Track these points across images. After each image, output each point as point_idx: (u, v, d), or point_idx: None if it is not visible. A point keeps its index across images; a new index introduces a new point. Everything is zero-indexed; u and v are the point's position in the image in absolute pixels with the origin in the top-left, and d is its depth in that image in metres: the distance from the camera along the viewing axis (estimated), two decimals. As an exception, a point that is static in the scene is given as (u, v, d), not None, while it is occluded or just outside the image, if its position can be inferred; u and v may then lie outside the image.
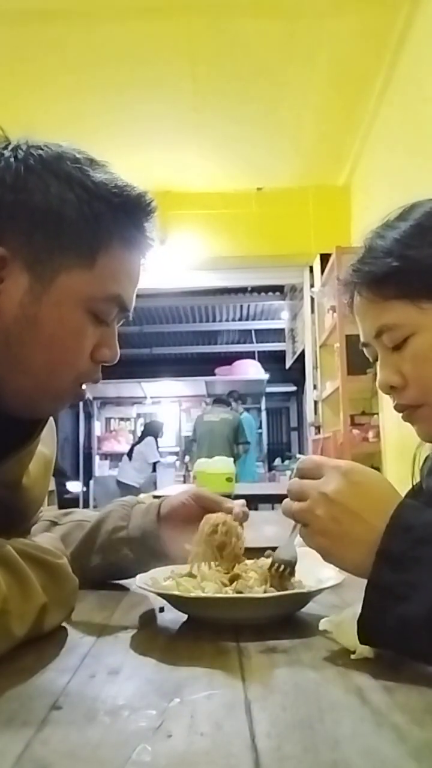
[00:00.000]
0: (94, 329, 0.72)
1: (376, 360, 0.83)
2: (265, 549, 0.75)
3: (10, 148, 0.71)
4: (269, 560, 0.72)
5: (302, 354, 5.00)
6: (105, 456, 9.19)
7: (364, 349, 0.86)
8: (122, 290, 0.73)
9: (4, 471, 0.73)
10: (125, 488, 6.84)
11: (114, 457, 8.90)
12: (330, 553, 0.61)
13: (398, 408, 0.82)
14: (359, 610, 0.55)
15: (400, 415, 0.83)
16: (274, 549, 0.73)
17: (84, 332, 0.71)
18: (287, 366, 6.78)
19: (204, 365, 8.83)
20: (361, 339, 0.85)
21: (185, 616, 0.71)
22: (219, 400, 6.94)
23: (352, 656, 0.56)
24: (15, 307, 0.68)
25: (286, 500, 0.64)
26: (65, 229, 0.69)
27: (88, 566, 0.86)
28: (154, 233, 0.77)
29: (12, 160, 0.69)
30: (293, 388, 9.67)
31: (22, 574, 0.59)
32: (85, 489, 8.38)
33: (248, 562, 0.76)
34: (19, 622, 0.57)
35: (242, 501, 0.84)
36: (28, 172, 0.69)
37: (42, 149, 0.71)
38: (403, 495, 0.97)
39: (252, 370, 8.62)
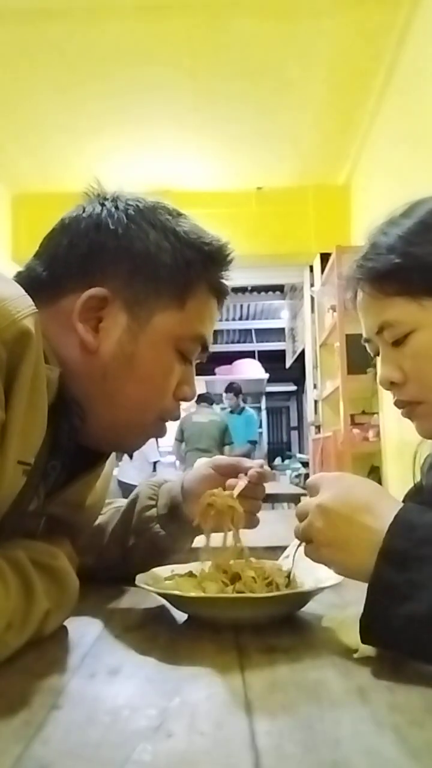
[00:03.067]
0: (179, 367, 0.77)
1: (378, 355, 0.84)
2: (264, 549, 0.75)
3: (110, 198, 0.77)
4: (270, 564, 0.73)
5: (302, 353, 5.01)
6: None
7: (366, 345, 0.87)
8: (206, 331, 0.79)
9: (72, 492, 0.77)
10: (126, 488, 6.81)
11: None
12: (335, 562, 0.61)
13: (398, 404, 0.82)
14: (361, 610, 0.55)
15: (400, 411, 0.83)
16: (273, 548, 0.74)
17: (172, 370, 0.76)
18: (287, 365, 6.78)
19: (204, 364, 8.75)
20: (363, 335, 0.85)
21: (185, 616, 0.71)
22: (203, 399, 6.86)
23: (355, 655, 0.56)
24: (114, 344, 0.72)
25: (297, 524, 0.65)
26: (161, 274, 0.74)
27: (127, 547, 0.89)
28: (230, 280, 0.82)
29: (114, 209, 0.75)
30: (293, 388, 9.68)
31: (30, 583, 0.60)
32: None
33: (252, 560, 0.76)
34: (21, 635, 0.57)
35: (260, 461, 0.86)
36: (130, 221, 0.74)
37: (138, 201, 0.77)
38: (403, 494, 0.98)
39: (252, 370, 8.61)
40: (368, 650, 0.56)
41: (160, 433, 0.81)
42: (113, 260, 0.73)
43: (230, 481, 0.81)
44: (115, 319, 0.73)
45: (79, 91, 3.20)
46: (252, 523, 0.82)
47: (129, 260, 0.73)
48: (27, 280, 0.73)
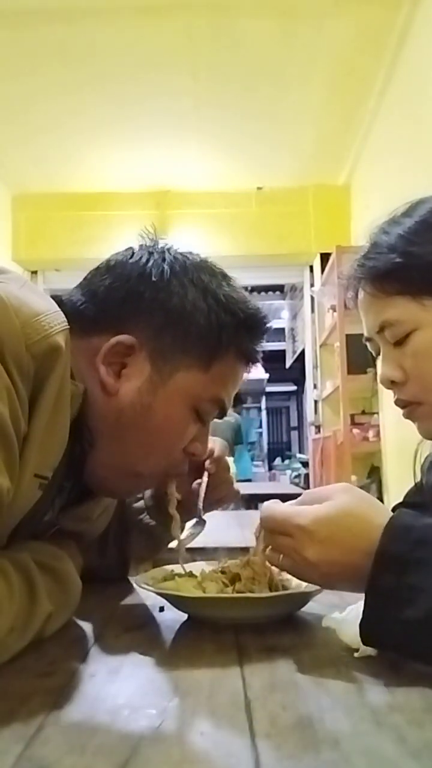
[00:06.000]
0: (193, 425, 0.76)
1: (379, 354, 0.83)
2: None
3: (159, 249, 0.78)
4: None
5: (302, 353, 5.01)
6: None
7: (368, 344, 0.86)
8: (226, 396, 0.78)
9: (85, 509, 0.79)
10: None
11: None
12: (337, 588, 0.63)
13: (399, 403, 0.82)
14: (361, 609, 0.54)
15: (401, 411, 0.83)
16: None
17: (186, 427, 0.76)
18: (287, 365, 6.78)
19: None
20: (364, 334, 0.85)
21: (185, 616, 0.71)
22: None
23: (356, 654, 0.56)
24: (133, 392, 0.72)
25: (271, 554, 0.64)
26: (192, 333, 0.74)
27: (127, 541, 0.91)
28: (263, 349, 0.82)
29: (160, 261, 0.76)
30: (293, 388, 9.67)
31: (33, 585, 0.60)
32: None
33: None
34: (23, 638, 0.58)
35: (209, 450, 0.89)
36: (173, 276, 0.75)
37: (187, 257, 0.78)
38: (403, 494, 0.98)
39: (252, 370, 8.60)
40: (368, 649, 0.56)
41: (161, 487, 0.83)
42: (148, 311, 0.73)
43: (194, 486, 0.87)
44: (139, 367, 0.73)
45: (80, 92, 3.20)
46: (231, 495, 0.93)
47: (163, 314, 0.73)
48: (67, 306, 0.73)
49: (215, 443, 0.90)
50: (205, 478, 0.88)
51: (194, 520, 0.91)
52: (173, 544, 0.88)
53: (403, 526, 0.54)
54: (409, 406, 0.81)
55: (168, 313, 0.73)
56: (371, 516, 0.57)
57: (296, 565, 0.60)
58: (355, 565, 0.55)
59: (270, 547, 0.64)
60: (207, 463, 0.87)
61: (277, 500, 0.65)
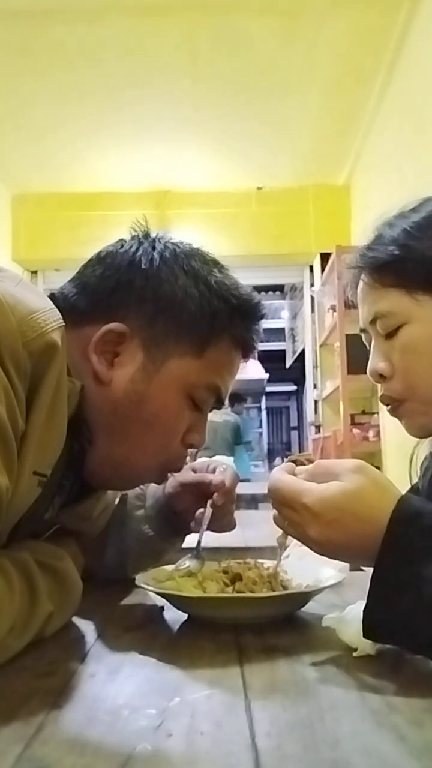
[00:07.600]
0: (190, 414, 0.76)
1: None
2: (264, 549, 0.75)
3: (150, 238, 0.78)
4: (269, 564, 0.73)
5: (302, 353, 5.01)
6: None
7: (362, 335, 0.87)
8: (222, 383, 0.78)
9: (85, 507, 0.79)
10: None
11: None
12: (339, 559, 0.62)
13: (383, 399, 0.81)
14: (361, 608, 0.54)
15: (387, 409, 0.82)
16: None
17: (182, 415, 0.75)
18: (287, 365, 6.78)
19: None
20: (360, 324, 0.85)
21: (185, 616, 0.71)
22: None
23: (354, 654, 0.56)
24: (126, 380, 0.72)
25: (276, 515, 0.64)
26: (184, 320, 0.74)
27: (123, 548, 0.90)
28: (260, 336, 0.82)
29: (150, 249, 0.76)
30: (293, 388, 9.67)
31: (34, 586, 0.60)
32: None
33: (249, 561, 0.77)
34: (23, 638, 0.58)
35: (219, 479, 0.87)
36: (162, 263, 0.75)
37: (177, 245, 0.78)
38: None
39: (252, 369, 8.58)
40: (367, 648, 0.55)
41: (160, 480, 0.82)
42: (139, 299, 0.73)
43: (197, 515, 0.86)
44: (132, 356, 0.73)
45: (80, 92, 3.20)
46: (229, 527, 0.89)
47: (154, 301, 0.73)
48: (59, 300, 0.74)
49: (226, 473, 0.88)
50: (209, 510, 0.85)
51: (191, 553, 0.84)
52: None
53: (411, 512, 0.53)
54: (392, 403, 0.81)
55: (159, 300, 0.73)
56: (380, 500, 0.55)
57: (299, 537, 0.61)
58: (360, 549, 0.55)
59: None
60: (215, 495, 0.85)
61: (290, 464, 0.64)
